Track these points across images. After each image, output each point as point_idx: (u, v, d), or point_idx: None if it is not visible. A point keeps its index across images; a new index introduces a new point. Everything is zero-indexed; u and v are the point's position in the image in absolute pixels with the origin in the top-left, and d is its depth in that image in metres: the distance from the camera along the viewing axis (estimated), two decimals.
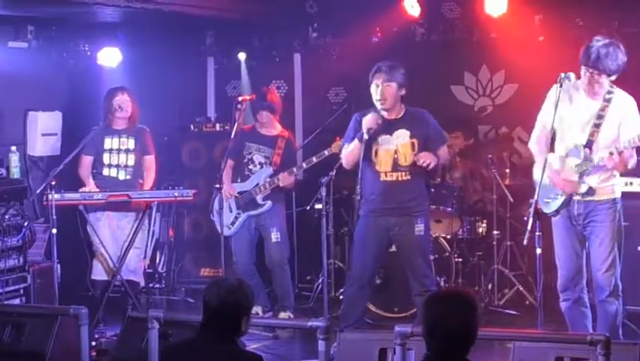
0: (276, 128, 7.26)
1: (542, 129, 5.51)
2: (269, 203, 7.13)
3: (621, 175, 5.47)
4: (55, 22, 7.93)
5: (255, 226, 7.24)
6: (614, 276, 5.34)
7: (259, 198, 7.14)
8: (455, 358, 3.22)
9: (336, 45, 8.45)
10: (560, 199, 5.37)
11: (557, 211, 5.40)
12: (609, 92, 5.30)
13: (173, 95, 8.74)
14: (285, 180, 7.04)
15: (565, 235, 5.44)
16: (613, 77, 5.26)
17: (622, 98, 5.31)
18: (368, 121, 5.97)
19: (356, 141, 6.04)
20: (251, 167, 7.22)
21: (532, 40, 7.60)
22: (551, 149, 5.46)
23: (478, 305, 3.33)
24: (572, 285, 5.44)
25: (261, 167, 7.19)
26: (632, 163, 5.25)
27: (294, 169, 7.05)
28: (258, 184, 7.14)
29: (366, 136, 5.96)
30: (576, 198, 5.35)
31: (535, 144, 5.55)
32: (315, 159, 6.96)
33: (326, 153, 6.85)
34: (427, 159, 5.96)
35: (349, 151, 6.12)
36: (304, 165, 7.05)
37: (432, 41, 8.09)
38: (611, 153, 5.14)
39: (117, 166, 6.97)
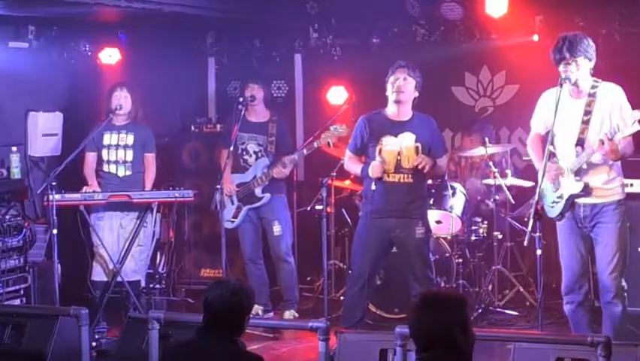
0: (265, 115, 7.30)
1: (536, 134, 5.54)
2: (267, 195, 7.16)
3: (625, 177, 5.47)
4: (56, 23, 7.92)
5: (258, 217, 7.27)
6: (619, 277, 5.32)
7: (258, 191, 7.16)
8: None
9: (337, 46, 8.44)
10: (562, 202, 5.36)
11: (562, 214, 5.38)
12: (593, 87, 5.28)
13: (174, 96, 8.73)
14: (279, 173, 7.06)
15: (570, 236, 5.42)
16: (591, 64, 5.25)
17: (607, 88, 5.28)
18: (375, 170, 6.04)
19: (361, 169, 6.19)
20: (246, 157, 7.25)
21: (533, 41, 7.59)
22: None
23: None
24: (577, 287, 5.42)
25: (257, 157, 7.22)
26: (626, 150, 5.19)
27: (286, 162, 7.04)
28: (255, 176, 7.16)
29: (373, 188, 6.04)
30: (582, 201, 5.33)
31: (531, 150, 5.60)
32: (305, 152, 7.01)
33: (315, 145, 6.90)
34: (423, 162, 6.01)
35: (353, 169, 6.36)
36: (296, 157, 7.06)
37: (432, 42, 8.08)
38: (602, 142, 5.11)
39: (116, 162, 6.98)
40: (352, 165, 6.33)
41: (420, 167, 6.02)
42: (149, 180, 7.04)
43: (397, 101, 6.08)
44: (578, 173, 5.29)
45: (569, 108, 5.30)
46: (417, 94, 6.14)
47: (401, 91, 6.05)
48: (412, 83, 6.08)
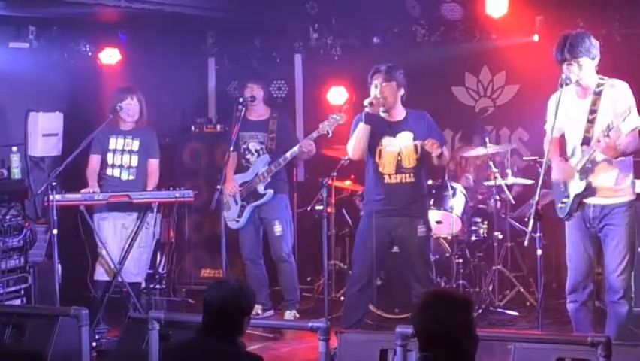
0: (265, 112, 7.32)
1: (551, 137, 5.51)
2: (270, 192, 7.17)
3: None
4: (57, 23, 7.93)
5: (259, 217, 7.28)
6: (628, 278, 5.29)
7: (260, 188, 7.17)
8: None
9: (337, 46, 8.45)
10: (569, 202, 5.33)
11: (569, 214, 5.34)
12: (599, 85, 5.25)
13: (174, 96, 8.74)
14: (309, 146, 7.00)
15: (578, 236, 5.39)
16: (595, 62, 5.23)
17: (612, 85, 5.25)
18: (369, 98, 5.98)
19: (361, 124, 6.04)
20: (248, 156, 7.27)
21: (533, 41, 7.60)
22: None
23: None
24: (581, 287, 5.39)
25: (258, 155, 7.23)
26: (629, 147, 5.15)
27: (314, 134, 6.95)
28: (257, 173, 7.17)
29: (367, 109, 5.95)
30: (591, 201, 5.29)
31: (549, 152, 5.54)
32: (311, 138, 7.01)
33: (314, 135, 6.91)
34: (435, 145, 5.96)
35: (355, 135, 6.10)
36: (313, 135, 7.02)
37: (433, 42, 8.10)
38: (598, 140, 5.09)
39: (120, 167, 6.97)
40: (352, 138, 6.15)
41: (428, 148, 5.95)
42: (151, 185, 6.99)
43: (384, 111, 6.08)
44: (583, 172, 5.28)
45: (576, 108, 5.29)
46: (402, 91, 6.11)
47: (384, 98, 6.02)
48: (392, 85, 6.04)
